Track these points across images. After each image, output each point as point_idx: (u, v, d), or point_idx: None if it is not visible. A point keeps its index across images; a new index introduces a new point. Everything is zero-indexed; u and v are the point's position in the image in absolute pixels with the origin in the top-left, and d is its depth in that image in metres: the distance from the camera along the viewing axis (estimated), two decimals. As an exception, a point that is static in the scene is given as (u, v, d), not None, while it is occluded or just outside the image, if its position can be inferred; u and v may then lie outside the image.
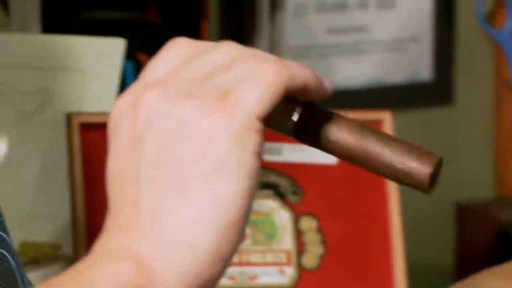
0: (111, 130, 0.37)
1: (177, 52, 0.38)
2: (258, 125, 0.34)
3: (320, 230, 0.78)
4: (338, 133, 0.41)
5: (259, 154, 0.34)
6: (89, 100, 0.99)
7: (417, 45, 1.25)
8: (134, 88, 0.36)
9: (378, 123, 0.80)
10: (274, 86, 0.34)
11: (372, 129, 0.40)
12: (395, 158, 0.42)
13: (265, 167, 0.67)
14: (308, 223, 0.79)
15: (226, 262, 0.34)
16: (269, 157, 0.73)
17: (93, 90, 1.03)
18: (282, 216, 0.78)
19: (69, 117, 0.89)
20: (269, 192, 0.79)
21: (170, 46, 0.38)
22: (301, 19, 1.13)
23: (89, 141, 0.87)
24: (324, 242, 0.79)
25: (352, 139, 0.41)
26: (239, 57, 0.36)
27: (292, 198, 0.80)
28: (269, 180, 0.75)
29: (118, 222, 0.38)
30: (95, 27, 1.08)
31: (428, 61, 1.27)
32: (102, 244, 0.37)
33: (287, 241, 0.78)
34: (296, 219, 0.79)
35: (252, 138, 0.34)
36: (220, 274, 0.35)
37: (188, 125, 0.34)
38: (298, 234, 0.78)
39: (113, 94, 0.98)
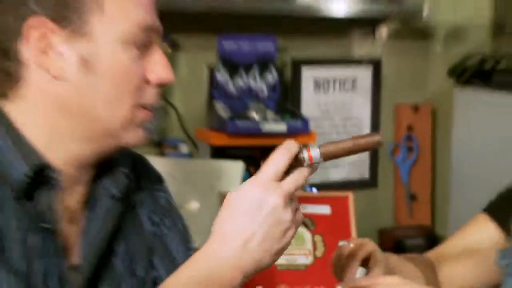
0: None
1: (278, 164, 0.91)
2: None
3: (323, 240, 1.73)
4: (333, 149, 0.89)
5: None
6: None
7: None
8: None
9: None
10: None
11: (340, 142, 0.88)
12: (359, 143, 0.89)
13: (305, 215, 1.67)
14: (318, 238, 1.73)
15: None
16: (303, 211, 1.71)
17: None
18: (306, 234, 1.73)
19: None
20: (302, 225, 1.74)
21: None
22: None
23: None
24: (325, 246, 1.72)
25: (338, 152, 0.90)
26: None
27: (310, 227, 1.74)
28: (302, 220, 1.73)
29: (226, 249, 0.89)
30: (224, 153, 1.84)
31: None
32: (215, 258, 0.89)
33: (308, 245, 1.73)
34: (313, 236, 1.73)
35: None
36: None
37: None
38: (314, 242, 1.73)
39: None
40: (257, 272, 0.90)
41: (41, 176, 0.93)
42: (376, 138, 0.89)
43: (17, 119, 0.94)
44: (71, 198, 0.99)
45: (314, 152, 0.89)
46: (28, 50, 0.91)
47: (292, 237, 0.90)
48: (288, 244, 0.90)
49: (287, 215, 0.89)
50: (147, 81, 0.96)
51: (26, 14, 0.90)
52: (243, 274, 0.89)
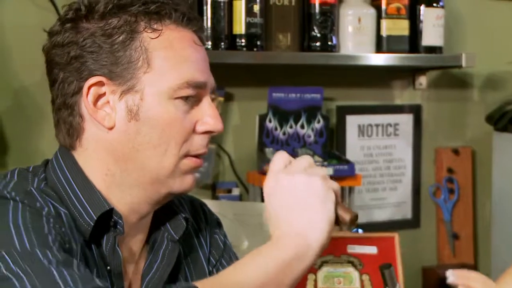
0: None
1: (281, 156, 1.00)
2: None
3: (370, 279, 1.80)
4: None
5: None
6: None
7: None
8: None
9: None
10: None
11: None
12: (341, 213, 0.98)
13: (351, 255, 1.76)
14: (365, 277, 1.82)
15: (330, 237, 0.94)
16: (351, 251, 1.81)
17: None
18: (354, 273, 1.82)
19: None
20: (351, 265, 1.83)
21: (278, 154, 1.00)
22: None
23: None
24: (372, 285, 1.78)
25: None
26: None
27: (358, 266, 1.84)
28: (350, 259, 1.83)
29: (287, 228, 0.94)
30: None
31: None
32: (283, 232, 0.94)
33: (356, 283, 1.82)
34: (360, 275, 1.83)
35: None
36: (328, 240, 0.94)
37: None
38: (362, 281, 1.82)
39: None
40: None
41: (107, 222, 0.99)
42: (346, 217, 1.00)
43: (82, 165, 1.01)
44: (133, 241, 1.05)
45: None
46: (86, 105, 0.99)
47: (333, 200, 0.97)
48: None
49: (317, 184, 0.97)
50: (195, 131, 1.01)
51: (87, 74, 0.99)
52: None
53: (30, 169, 1.04)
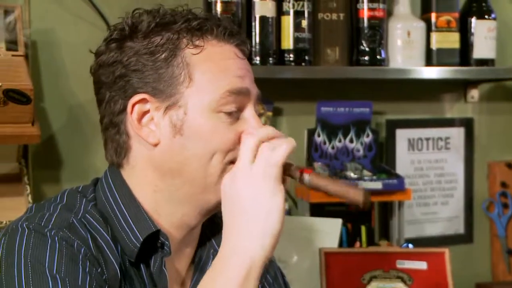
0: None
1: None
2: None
3: None
4: (322, 183, 0.94)
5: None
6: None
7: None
8: None
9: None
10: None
11: (331, 182, 0.93)
12: (345, 191, 0.92)
13: (401, 270, 1.74)
14: None
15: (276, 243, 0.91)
16: (401, 266, 1.79)
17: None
18: None
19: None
20: (400, 280, 1.81)
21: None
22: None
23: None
24: None
25: (327, 187, 0.93)
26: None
27: (408, 282, 1.81)
28: (400, 275, 1.81)
29: (234, 242, 0.90)
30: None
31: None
32: (225, 248, 0.91)
33: None
34: None
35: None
36: (271, 254, 0.92)
37: None
38: None
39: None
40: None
41: (153, 242, 0.99)
42: (359, 198, 0.92)
43: (130, 184, 1.02)
44: (180, 260, 1.06)
45: (305, 177, 0.97)
46: (131, 122, 1.01)
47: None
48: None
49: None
50: (240, 141, 1.00)
51: (131, 92, 1.00)
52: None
53: (80, 189, 1.06)
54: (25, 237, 0.93)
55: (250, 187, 0.94)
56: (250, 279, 0.91)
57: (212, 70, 0.99)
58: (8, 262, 0.91)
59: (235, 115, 1.01)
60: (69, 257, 0.91)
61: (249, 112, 1.02)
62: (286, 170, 0.97)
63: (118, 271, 0.96)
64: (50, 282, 0.88)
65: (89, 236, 0.96)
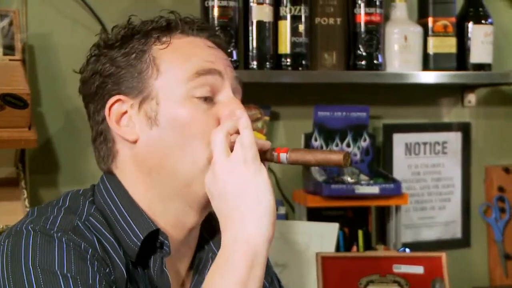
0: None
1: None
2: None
3: None
4: (300, 157, 0.96)
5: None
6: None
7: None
8: None
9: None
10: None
11: (309, 152, 0.95)
12: (325, 157, 0.94)
13: (397, 275, 1.74)
14: None
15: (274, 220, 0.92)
16: (397, 271, 1.79)
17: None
18: None
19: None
20: (397, 285, 1.80)
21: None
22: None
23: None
24: None
25: (306, 159, 0.95)
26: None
27: (404, 286, 1.80)
28: (396, 279, 1.81)
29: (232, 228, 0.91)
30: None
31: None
32: (226, 240, 0.91)
33: None
34: None
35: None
36: (273, 233, 0.92)
37: None
38: None
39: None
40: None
41: (153, 243, 1.00)
42: (340, 159, 0.93)
43: (126, 188, 1.03)
44: (179, 262, 1.06)
45: (282, 156, 0.98)
46: (111, 125, 1.02)
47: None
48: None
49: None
50: (219, 124, 1.00)
51: (108, 97, 1.03)
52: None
53: (81, 192, 1.07)
54: (31, 238, 0.92)
55: (233, 178, 0.94)
56: (255, 266, 0.91)
57: (178, 59, 1.01)
58: (15, 264, 0.90)
59: (210, 100, 1.01)
60: (77, 256, 0.91)
61: (225, 95, 1.02)
62: (262, 155, 0.97)
63: (125, 273, 0.97)
64: (61, 282, 0.88)
65: (94, 238, 0.96)
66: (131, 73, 1.01)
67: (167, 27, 1.04)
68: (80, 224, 0.97)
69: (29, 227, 0.94)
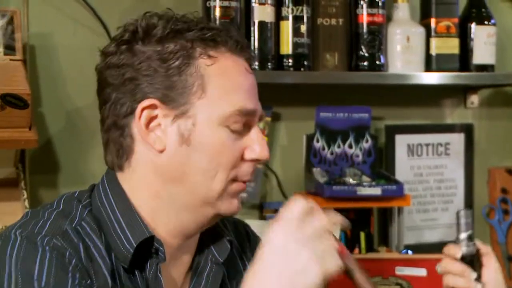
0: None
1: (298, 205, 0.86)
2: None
3: None
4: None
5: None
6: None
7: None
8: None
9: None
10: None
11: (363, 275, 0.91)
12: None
13: (400, 277, 1.73)
14: None
15: None
16: (400, 273, 1.78)
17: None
18: None
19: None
20: (399, 287, 1.80)
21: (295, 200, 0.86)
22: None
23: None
24: None
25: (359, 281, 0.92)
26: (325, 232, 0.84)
27: None
28: (399, 282, 1.80)
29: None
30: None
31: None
32: None
33: None
34: None
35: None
36: None
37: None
38: None
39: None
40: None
41: (148, 248, 0.99)
42: None
43: (127, 188, 1.02)
44: (176, 268, 1.05)
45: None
46: (138, 127, 1.00)
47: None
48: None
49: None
50: (243, 158, 1.01)
51: (140, 97, 0.99)
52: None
53: (76, 195, 1.05)
54: (16, 246, 0.92)
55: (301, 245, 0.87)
56: None
57: (225, 86, 1.00)
58: None
59: (241, 132, 1.01)
60: (59, 268, 0.91)
61: (254, 130, 1.03)
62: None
63: (109, 280, 0.95)
64: None
65: (81, 245, 0.95)
66: (173, 83, 0.99)
67: (213, 40, 1.01)
68: (69, 230, 0.96)
69: (17, 233, 0.94)
